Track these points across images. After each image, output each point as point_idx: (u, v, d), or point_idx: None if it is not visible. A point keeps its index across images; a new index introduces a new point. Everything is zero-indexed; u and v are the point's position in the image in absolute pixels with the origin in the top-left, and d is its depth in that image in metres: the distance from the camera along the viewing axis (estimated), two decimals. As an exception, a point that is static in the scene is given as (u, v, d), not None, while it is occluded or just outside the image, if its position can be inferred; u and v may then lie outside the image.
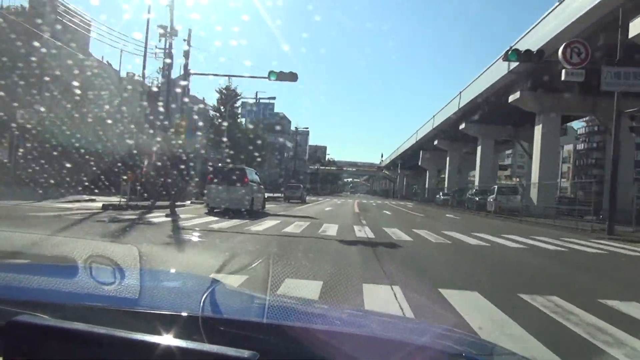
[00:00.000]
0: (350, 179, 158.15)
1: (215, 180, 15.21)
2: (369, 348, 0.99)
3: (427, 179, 59.87)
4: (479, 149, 37.21)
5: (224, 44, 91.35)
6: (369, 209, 26.60)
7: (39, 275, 1.46)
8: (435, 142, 47.22)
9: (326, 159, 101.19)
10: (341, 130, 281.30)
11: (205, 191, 16.22)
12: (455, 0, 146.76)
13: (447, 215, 24.43)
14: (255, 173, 17.67)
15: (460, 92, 35.71)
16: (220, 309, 1.18)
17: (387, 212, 24.65)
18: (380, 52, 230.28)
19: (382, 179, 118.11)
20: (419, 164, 59.36)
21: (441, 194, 41.39)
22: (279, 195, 34.60)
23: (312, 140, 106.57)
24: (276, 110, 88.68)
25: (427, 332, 1.27)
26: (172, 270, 2.55)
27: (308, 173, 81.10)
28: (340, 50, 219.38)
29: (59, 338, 0.90)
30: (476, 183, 39.41)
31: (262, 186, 17.68)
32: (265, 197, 19.07)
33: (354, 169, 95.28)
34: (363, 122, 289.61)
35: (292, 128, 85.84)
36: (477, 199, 29.82)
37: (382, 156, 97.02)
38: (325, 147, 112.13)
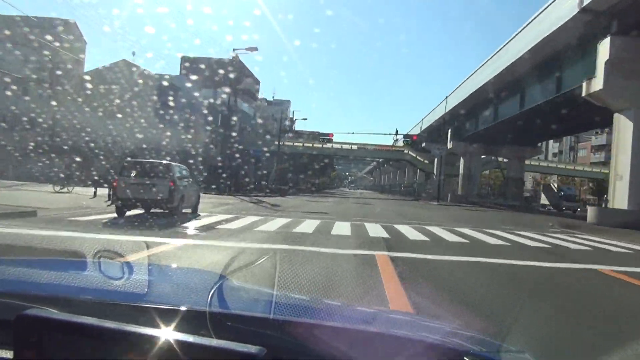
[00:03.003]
0: (349, 173, 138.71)
1: None
2: (376, 344, 0.99)
3: (633, 147, 17.44)
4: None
5: (235, 38, 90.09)
6: None
7: (48, 270, 1.48)
8: None
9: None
10: (344, 127, 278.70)
11: None
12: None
13: None
14: None
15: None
16: (227, 305, 1.18)
17: None
18: (386, 42, 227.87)
19: (396, 168, 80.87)
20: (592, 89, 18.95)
21: None
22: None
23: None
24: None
25: (434, 329, 1.26)
26: (180, 266, 2.56)
27: (269, 152, 43.93)
28: (344, 41, 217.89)
29: (68, 332, 0.91)
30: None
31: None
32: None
33: (356, 147, 58.53)
34: (367, 119, 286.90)
35: (271, 98, 64.54)
36: None
37: (396, 133, 55.53)
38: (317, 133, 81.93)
